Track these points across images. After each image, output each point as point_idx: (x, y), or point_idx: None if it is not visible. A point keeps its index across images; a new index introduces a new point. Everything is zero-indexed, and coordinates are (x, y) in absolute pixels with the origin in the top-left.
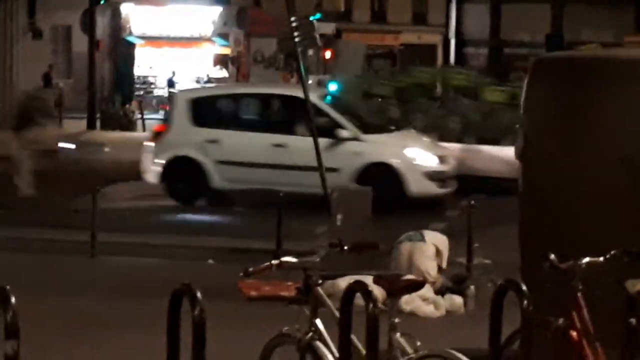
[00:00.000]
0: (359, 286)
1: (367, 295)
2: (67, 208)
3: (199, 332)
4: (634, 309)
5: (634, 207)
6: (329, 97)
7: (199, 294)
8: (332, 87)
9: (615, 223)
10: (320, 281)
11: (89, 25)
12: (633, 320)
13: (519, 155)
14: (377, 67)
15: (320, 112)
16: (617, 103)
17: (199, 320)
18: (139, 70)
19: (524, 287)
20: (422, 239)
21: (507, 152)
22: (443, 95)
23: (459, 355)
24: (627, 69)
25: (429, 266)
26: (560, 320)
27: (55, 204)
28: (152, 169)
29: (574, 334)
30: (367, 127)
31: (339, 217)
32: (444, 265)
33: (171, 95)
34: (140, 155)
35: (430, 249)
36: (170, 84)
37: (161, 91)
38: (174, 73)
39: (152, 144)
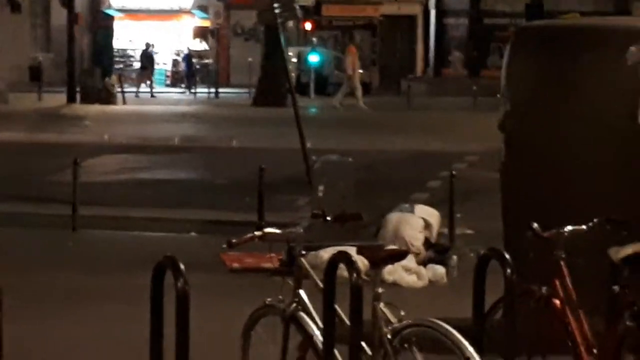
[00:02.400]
0: (342, 257)
1: (351, 265)
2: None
3: (183, 305)
4: (617, 276)
5: (617, 175)
6: None
7: (182, 266)
8: (313, 58)
9: (598, 191)
10: (303, 252)
11: None
12: (616, 288)
13: (501, 125)
14: (358, 39)
15: None
16: (598, 71)
17: (182, 293)
18: (118, 43)
19: (507, 256)
20: (412, 211)
21: None
22: None
23: (443, 324)
24: (609, 37)
25: (413, 237)
26: (544, 289)
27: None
28: None
29: (557, 302)
30: None
31: (321, 188)
32: (433, 239)
33: None
34: None
35: (418, 221)
36: (147, 56)
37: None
38: (147, 45)
39: None
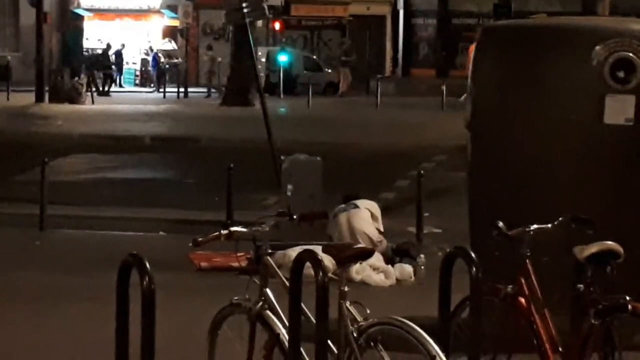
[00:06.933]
0: (309, 255)
1: (317, 264)
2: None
3: (148, 303)
4: (582, 275)
5: (582, 175)
6: None
7: (147, 264)
8: (282, 57)
9: (563, 190)
10: (270, 251)
11: None
12: (581, 287)
13: (467, 124)
14: (327, 39)
15: None
16: (563, 71)
17: (147, 291)
18: (87, 43)
19: (473, 255)
20: (356, 206)
21: None
22: None
23: (408, 322)
24: (574, 37)
25: (369, 230)
26: (509, 287)
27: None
28: None
29: (523, 300)
30: None
31: (290, 187)
32: (381, 228)
33: None
34: None
35: (365, 213)
36: (118, 56)
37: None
38: (123, 45)
39: None
